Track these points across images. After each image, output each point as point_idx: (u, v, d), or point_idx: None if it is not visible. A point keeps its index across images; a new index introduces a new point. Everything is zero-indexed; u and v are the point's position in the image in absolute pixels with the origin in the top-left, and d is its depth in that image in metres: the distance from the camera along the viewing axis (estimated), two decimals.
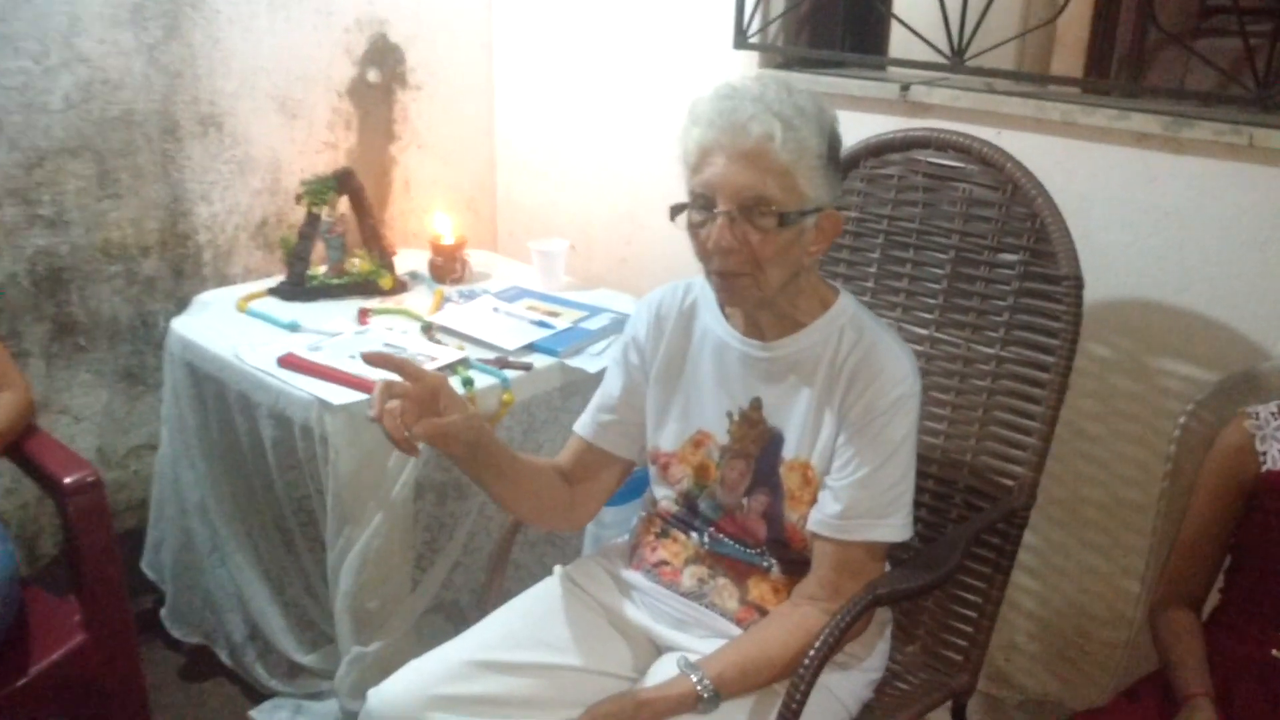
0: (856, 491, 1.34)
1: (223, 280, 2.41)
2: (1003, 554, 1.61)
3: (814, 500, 1.40)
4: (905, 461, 1.36)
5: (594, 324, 2.17)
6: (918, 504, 1.66)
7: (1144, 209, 1.75)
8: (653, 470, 1.56)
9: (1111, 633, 1.91)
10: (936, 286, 1.69)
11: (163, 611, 2.30)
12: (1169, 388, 1.77)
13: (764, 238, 1.27)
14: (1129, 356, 1.81)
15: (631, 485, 1.78)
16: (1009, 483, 1.60)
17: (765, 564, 1.46)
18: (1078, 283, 1.54)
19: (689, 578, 1.51)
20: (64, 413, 2.25)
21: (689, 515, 1.52)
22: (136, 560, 2.32)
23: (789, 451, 1.42)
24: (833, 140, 1.31)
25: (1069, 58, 2.82)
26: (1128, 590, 1.87)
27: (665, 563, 1.54)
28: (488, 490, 1.45)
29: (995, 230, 1.63)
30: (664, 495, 1.54)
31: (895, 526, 1.36)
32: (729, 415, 1.46)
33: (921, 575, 1.42)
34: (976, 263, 1.65)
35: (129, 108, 2.18)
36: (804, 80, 2.14)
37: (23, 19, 2.01)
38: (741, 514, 1.46)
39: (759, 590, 1.46)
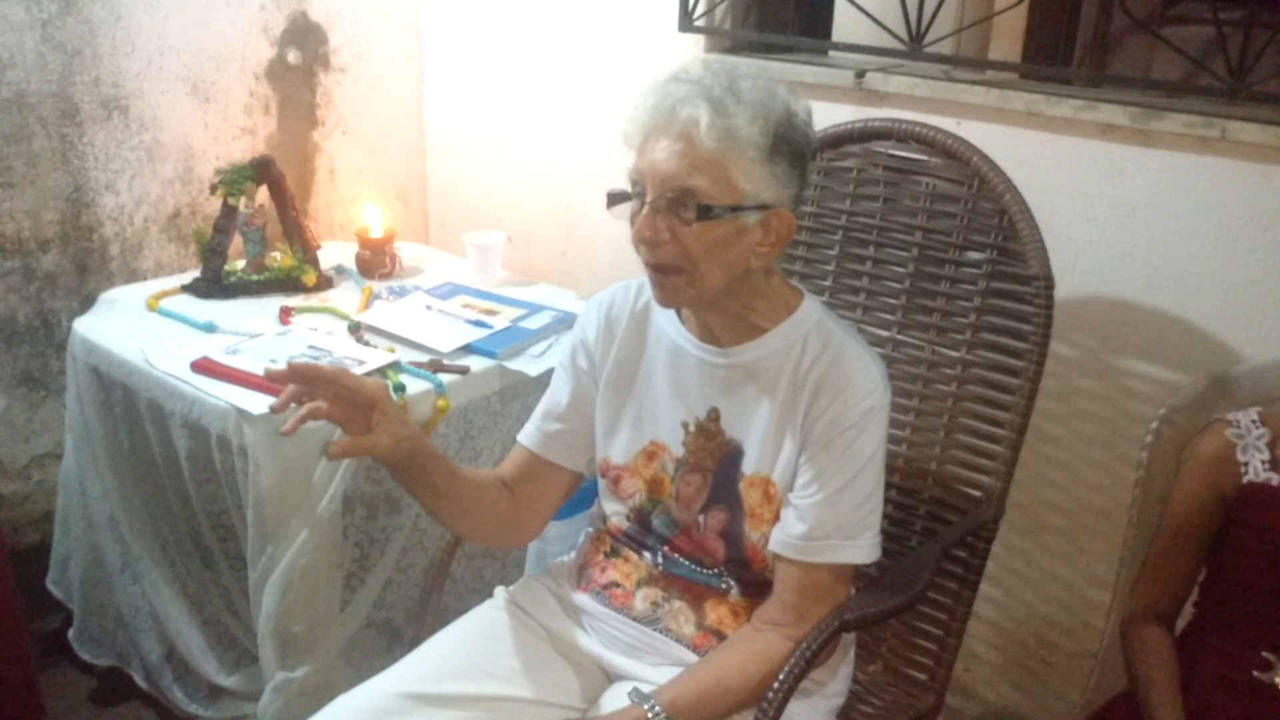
0: (822, 511, 1.25)
1: (132, 276, 2.24)
2: (969, 569, 1.53)
3: (776, 518, 1.30)
4: (874, 478, 1.27)
5: (534, 323, 2.05)
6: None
7: (1111, 203, 1.68)
8: (602, 484, 1.45)
9: (1077, 643, 1.86)
10: (899, 286, 1.60)
11: (70, 632, 2.14)
12: (1136, 390, 1.70)
13: (692, 232, 1.18)
14: (1094, 357, 1.74)
15: (578, 498, 1.68)
16: (976, 494, 1.53)
17: (723, 585, 1.36)
18: (1048, 283, 1.46)
19: (642, 601, 1.41)
20: None
21: (641, 533, 1.42)
22: (41, 578, 2.15)
23: (749, 466, 1.32)
24: (783, 132, 1.19)
25: (1007, 45, 2.75)
26: (1095, 600, 1.81)
27: (616, 584, 1.44)
28: (423, 505, 1.37)
29: (960, 227, 1.54)
30: (615, 511, 1.44)
31: (863, 547, 1.27)
32: (684, 426, 1.36)
33: (890, 597, 1.34)
34: (941, 261, 1.56)
35: (20, 89, 1.99)
36: (752, 66, 2.04)
37: None
38: (698, 532, 1.36)
39: (717, 614, 1.36)
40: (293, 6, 2.35)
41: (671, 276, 1.22)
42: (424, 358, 1.91)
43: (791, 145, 1.20)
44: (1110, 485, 1.76)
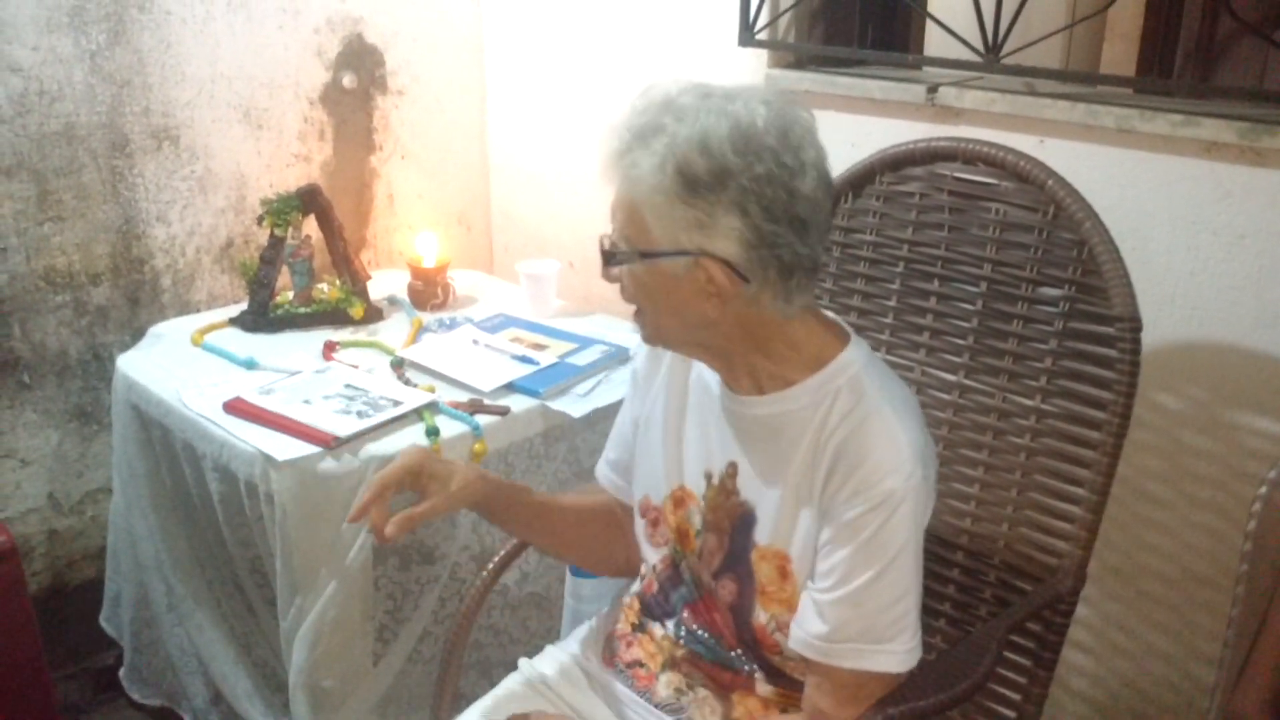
0: (844, 610, 1.08)
1: (184, 308, 2.20)
2: (1045, 646, 1.35)
3: (792, 602, 1.14)
4: (906, 574, 1.08)
5: (583, 359, 1.94)
6: (940, 592, 1.43)
7: (1215, 231, 1.48)
8: (641, 525, 1.32)
9: None
10: (966, 325, 1.44)
11: (121, 671, 2.12)
12: (1250, 447, 1.49)
13: (623, 275, 1.10)
14: (1201, 408, 1.54)
15: None
16: (1052, 561, 1.35)
17: (746, 669, 1.23)
18: (1135, 324, 1.28)
19: (665, 687, 1.28)
20: (9, 456, 2.06)
21: (671, 587, 1.29)
22: (96, 614, 2.14)
23: (762, 535, 1.17)
24: (690, 169, 1.00)
25: (1121, 52, 2.53)
26: (1200, 678, 1.60)
27: (640, 664, 1.32)
28: (522, 539, 1.41)
29: (1035, 260, 1.37)
30: (651, 558, 1.31)
31: (896, 654, 1.08)
32: (707, 476, 1.23)
33: (947, 684, 1.17)
34: (1013, 298, 1.39)
35: (70, 121, 1.98)
36: (817, 81, 1.89)
37: None
38: (712, 599, 1.23)
39: (745, 707, 1.22)
40: (348, 29, 2.30)
41: (637, 316, 1.15)
42: (465, 396, 1.82)
43: (712, 182, 1.00)
44: (1220, 552, 1.55)
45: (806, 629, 1.10)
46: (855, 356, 1.13)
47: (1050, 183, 1.34)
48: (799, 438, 1.12)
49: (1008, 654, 1.36)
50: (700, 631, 1.25)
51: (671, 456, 1.26)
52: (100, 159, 2.03)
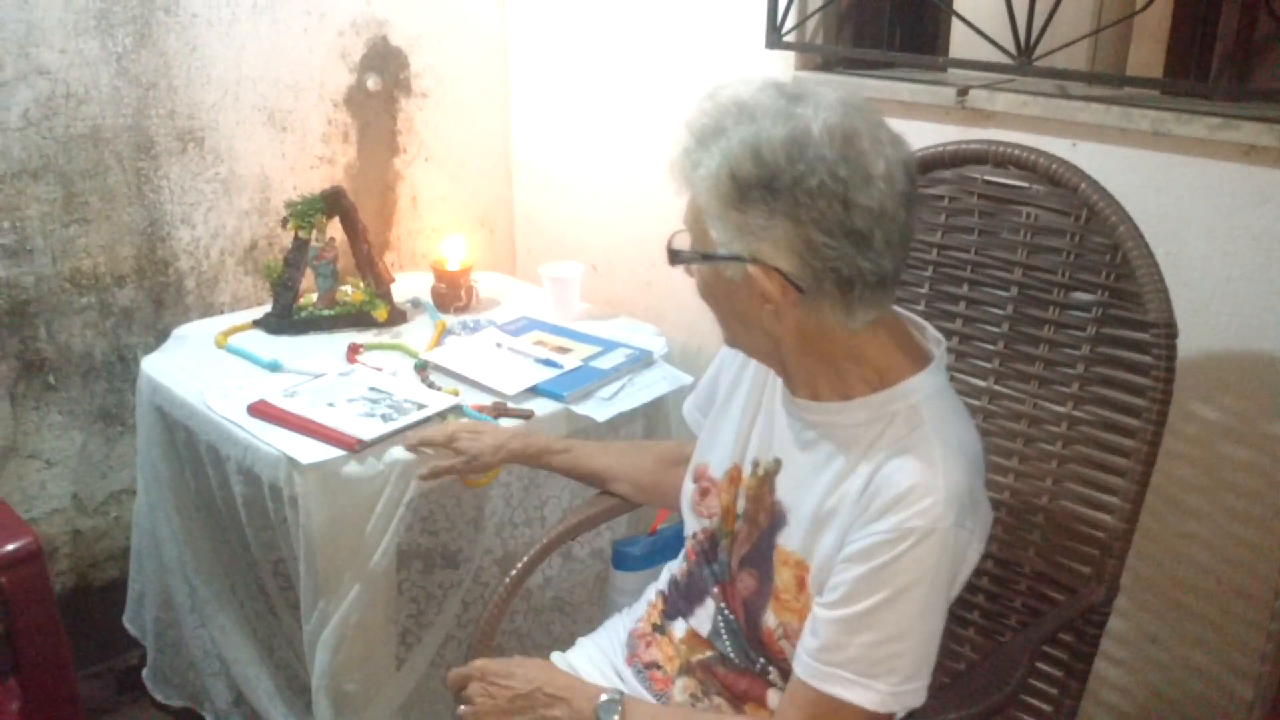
0: (837, 632, 1.03)
1: (208, 310, 2.21)
2: (1078, 657, 1.33)
3: (804, 613, 1.11)
4: (910, 614, 1.02)
5: (607, 362, 1.93)
6: (970, 600, 1.41)
7: (1254, 236, 1.45)
8: (692, 490, 1.31)
9: None
10: (996, 330, 1.42)
11: (144, 672, 2.12)
12: None
13: (693, 273, 1.10)
14: (1239, 419, 1.50)
15: (662, 543, 1.59)
16: (1085, 570, 1.33)
17: (758, 667, 1.22)
18: (1170, 330, 1.26)
19: (680, 691, 1.27)
20: (34, 457, 2.07)
21: (705, 561, 1.28)
22: (120, 614, 2.14)
23: (787, 540, 1.15)
24: (744, 174, 0.99)
25: (1149, 53, 2.50)
26: (1239, 694, 1.56)
27: (657, 666, 1.31)
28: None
29: (1067, 264, 1.35)
30: (693, 527, 1.30)
31: (878, 693, 1.02)
32: (754, 465, 1.22)
33: (976, 698, 1.16)
34: (1044, 303, 1.37)
35: (96, 124, 1.98)
36: (847, 84, 1.87)
37: None
38: (734, 587, 1.23)
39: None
40: (372, 32, 2.30)
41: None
42: (489, 399, 1.81)
43: (763, 190, 0.99)
44: (1260, 566, 1.51)
45: (802, 642, 1.08)
46: (923, 385, 1.08)
47: (1083, 186, 1.32)
48: (844, 453, 1.10)
49: (1039, 665, 1.34)
50: (730, 615, 1.24)
51: (742, 434, 1.25)
52: (126, 161, 2.03)
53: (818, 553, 1.10)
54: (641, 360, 1.94)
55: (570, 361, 1.92)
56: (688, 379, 1.95)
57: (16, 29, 1.86)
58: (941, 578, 1.02)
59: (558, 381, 1.84)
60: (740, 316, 1.08)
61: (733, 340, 1.16)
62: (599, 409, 1.80)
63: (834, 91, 1.02)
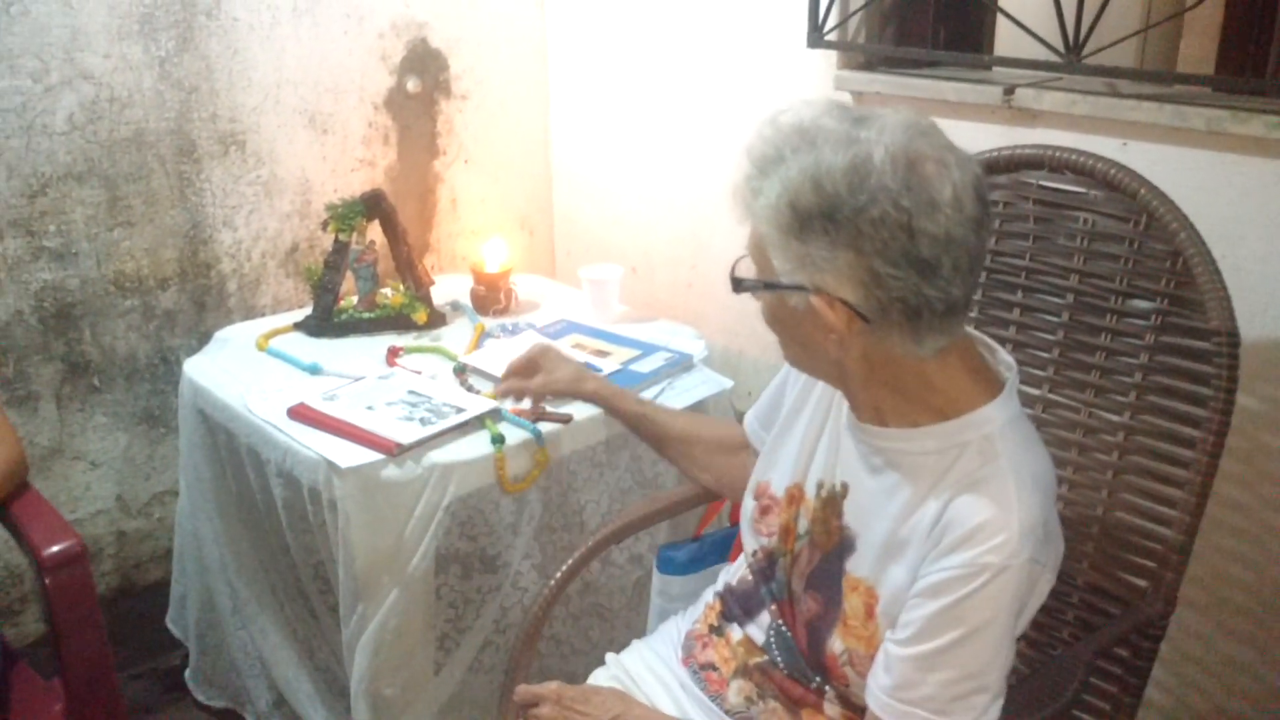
0: (911, 670, 1.01)
1: (249, 312, 2.22)
2: (1132, 672, 1.30)
3: (872, 642, 1.09)
4: (985, 652, 0.99)
5: (646, 365, 1.91)
6: None
7: None
8: (752, 507, 1.29)
9: None
10: (1051, 338, 1.38)
11: (186, 673, 2.13)
12: None
13: (758, 298, 1.08)
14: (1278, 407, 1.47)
15: (708, 547, 1.56)
16: (1141, 583, 1.29)
17: (816, 682, 1.19)
18: (1232, 339, 1.22)
19: (735, 693, 1.25)
20: (79, 459, 2.09)
21: (762, 580, 1.26)
22: (163, 614, 2.16)
23: (856, 566, 1.12)
24: (804, 205, 0.96)
25: (1200, 49, 2.45)
26: None
27: (713, 667, 1.29)
28: None
29: (1125, 271, 1.31)
30: (751, 545, 1.28)
31: None
32: (819, 486, 1.19)
33: (1028, 710, 1.13)
34: (1101, 310, 1.34)
35: (140, 127, 1.99)
36: (888, 84, 1.85)
37: (19, 34, 1.84)
38: (795, 609, 1.21)
39: None
40: (412, 34, 2.30)
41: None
42: (527, 403, 1.80)
43: (824, 221, 0.95)
44: None
45: (875, 677, 1.06)
46: (996, 415, 1.04)
47: (1143, 191, 1.28)
48: (912, 482, 1.06)
49: (1094, 681, 1.31)
50: (786, 631, 1.23)
51: (804, 452, 1.22)
52: (168, 164, 2.05)
53: (888, 582, 1.08)
54: (681, 364, 1.92)
55: (609, 365, 1.91)
56: (728, 383, 1.93)
57: (62, 34, 1.87)
58: (1015, 614, 1.00)
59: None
60: (804, 343, 1.07)
61: (796, 363, 1.14)
62: None
63: (899, 114, 0.99)
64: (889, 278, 0.95)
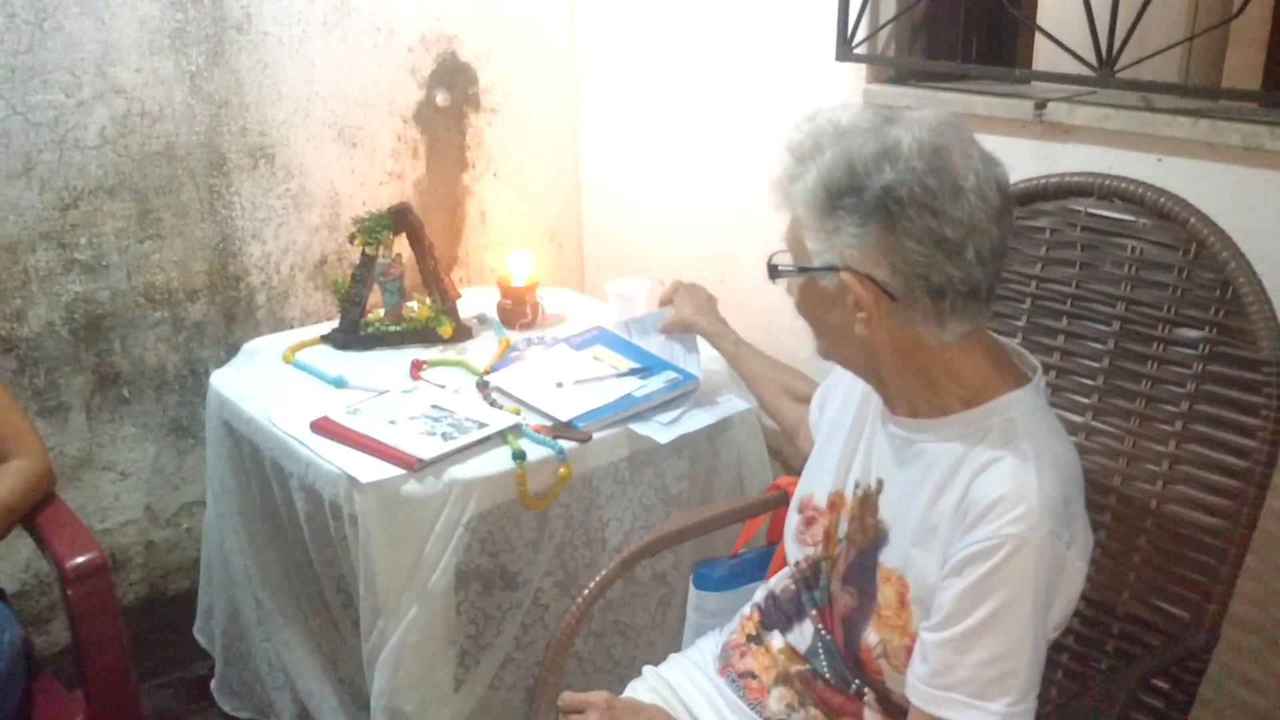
0: (945, 654, 1.03)
1: (278, 325, 2.22)
2: (1173, 705, 1.26)
3: (907, 633, 1.11)
4: (1017, 630, 1.01)
5: (650, 386, 1.86)
6: (1058, 641, 1.33)
7: None
8: (795, 522, 1.31)
9: None
10: (1095, 365, 1.35)
11: (212, 683, 2.13)
12: None
13: (790, 288, 1.14)
14: None
15: (744, 565, 1.57)
16: (1182, 614, 1.25)
17: (854, 685, 1.20)
18: None
19: (776, 701, 1.26)
20: (108, 469, 2.10)
21: (805, 588, 1.28)
22: (190, 624, 2.16)
23: (889, 557, 1.14)
24: (837, 185, 1.03)
25: (1247, 61, 2.38)
26: None
27: (752, 675, 1.30)
28: None
29: (1172, 299, 1.28)
30: (795, 556, 1.30)
31: (994, 715, 1.01)
32: (856, 486, 1.21)
33: None
34: (1148, 339, 1.31)
35: (170, 141, 2.00)
36: (918, 97, 1.82)
37: (51, 49, 1.85)
38: (833, 608, 1.22)
39: None
40: (441, 47, 2.29)
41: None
42: (547, 422, 1.78)
43: (855, 199, 1.02)
44: None
45: (913, 669, 1.07)
46: (1019, 401, 1.08)
47: (1193, 220, 1.25)
48: (940, 468, 1.09)
49: (1132, 713, 1.27)
50: (828, 636, 1.24)
51: (845, 461, 1.25)
52: (199, 178, 2.05)
53: (917, 567, 1.10)
54: (681, 387, 1.86)
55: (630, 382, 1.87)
56: (752, 403, 1.89)
57: (94, 49, 1.88)
58: (1041, 591, 1.00)
59: (617, 404, 1.79)
60: (836, 330, 1.10)
61: (829, 353, 1.17)
62: (660, 431, 1.76)
63: (929, 113, 1.05)
64: (915, 254, 1.01)
